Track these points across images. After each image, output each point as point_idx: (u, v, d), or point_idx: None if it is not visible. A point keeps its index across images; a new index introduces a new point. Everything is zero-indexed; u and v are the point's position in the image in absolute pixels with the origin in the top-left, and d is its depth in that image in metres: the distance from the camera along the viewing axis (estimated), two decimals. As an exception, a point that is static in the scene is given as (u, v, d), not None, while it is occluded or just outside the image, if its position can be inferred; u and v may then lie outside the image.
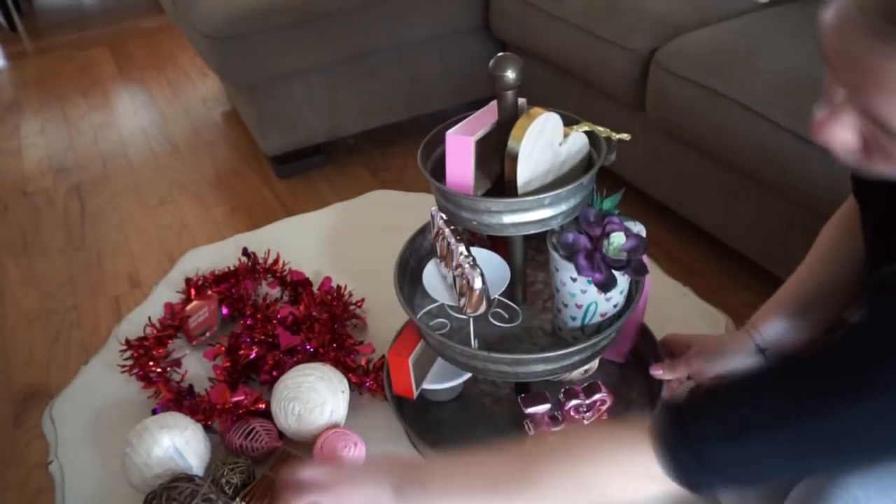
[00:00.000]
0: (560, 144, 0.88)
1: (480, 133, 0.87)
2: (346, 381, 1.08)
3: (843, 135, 0.58)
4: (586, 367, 1.05)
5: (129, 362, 1.21)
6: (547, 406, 0.92)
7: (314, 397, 1.02)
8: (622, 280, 0.89)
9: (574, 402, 0.93)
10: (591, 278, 0.86)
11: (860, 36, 0.50)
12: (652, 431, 0.64)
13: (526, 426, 0.94)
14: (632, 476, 0.66)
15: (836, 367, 0.58)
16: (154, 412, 1.10)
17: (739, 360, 0.93)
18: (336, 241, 1.49)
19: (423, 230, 1.05)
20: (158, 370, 1.18)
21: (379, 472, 0.73)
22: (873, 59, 0.50)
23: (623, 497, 0.67)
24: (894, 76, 0.50)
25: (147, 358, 1.20)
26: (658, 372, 0.98)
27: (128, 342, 1.23)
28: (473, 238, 1.05)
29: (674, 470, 0.62)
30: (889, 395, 0.54)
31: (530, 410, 0.92)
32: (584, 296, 0.90)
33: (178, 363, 1.21)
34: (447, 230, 0.88)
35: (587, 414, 0.95)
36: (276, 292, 1.36)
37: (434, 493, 0.70)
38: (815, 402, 0.57)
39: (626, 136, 0.89)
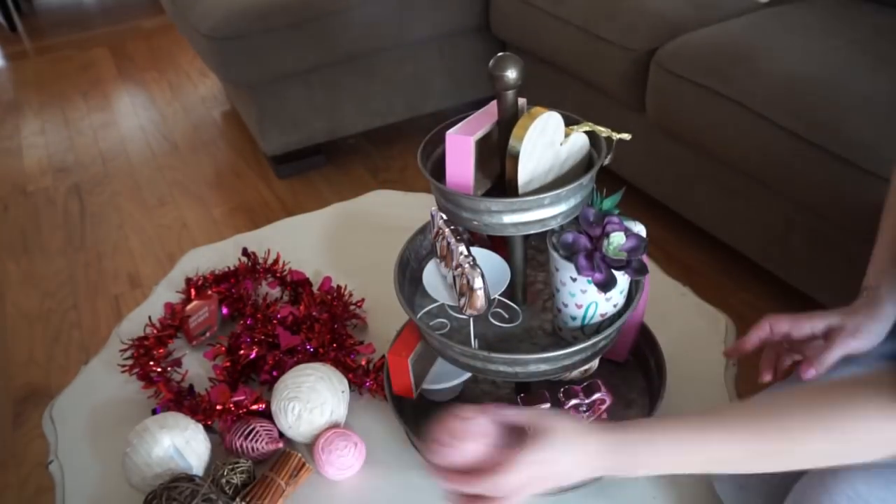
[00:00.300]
0: (561, 144, 0.88)
1: (480, 133, 0.87)
2: (346, 381, 1.08)
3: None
4: (586, 366, 1.05)
5: (130, 362, 1.21)
6: (546, 406, 0.92)
7: (314, 397, 1.02)
8: (622, 280, 0.89)
9: (573, 401, 0.93)
10: (591, 278, 0.86)
11: None
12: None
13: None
14: (878, 431, 0.60)
15: None
16: (154, 412, 1.10)
17: (884, 323, 0.84)
18: (336, 241, 1.49)
19: (423, 230, 1.05)
20: (158, 370, 1.18)
21: (586, 441, 0.66)
22: None
23: (879, 448, 0.61)
24: None
25: (147, 358, 1.20)
26: (811, 373, 0.83)
27: (128, 342, 1.23)
28: (473, 238, 1.05)
29: None
30: None
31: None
32: (584, 296, 0.90)
33: (178, 363, 1.21)
34: (447, 230, 0.88)
35: (586, 414, 0.95)
36: (276, 292, 1.36)
37: (668, 453, 0.65)
38: None
39: (626, 136, 0.89)
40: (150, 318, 1.27)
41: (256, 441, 1.01)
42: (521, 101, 0.89)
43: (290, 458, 0.99)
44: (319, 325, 1.22)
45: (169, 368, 1.20)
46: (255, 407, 1.08)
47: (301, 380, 1.03)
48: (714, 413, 0.67)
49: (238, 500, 0.95)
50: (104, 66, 3.01)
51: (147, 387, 1.17)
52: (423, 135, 0.94)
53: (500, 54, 0.84)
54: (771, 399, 0.68)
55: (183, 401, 1.12)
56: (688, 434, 0.66)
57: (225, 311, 1.30)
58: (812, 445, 0.62)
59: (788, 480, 0.77)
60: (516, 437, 0.69)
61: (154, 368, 1.18)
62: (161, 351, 1.22)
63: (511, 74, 0.83)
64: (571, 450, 0.66)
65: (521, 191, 0.85)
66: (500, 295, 0.91)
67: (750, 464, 0.66)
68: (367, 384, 1.12)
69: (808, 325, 0.86)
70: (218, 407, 1.08)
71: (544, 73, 1.98)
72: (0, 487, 1.21)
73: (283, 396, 1.03)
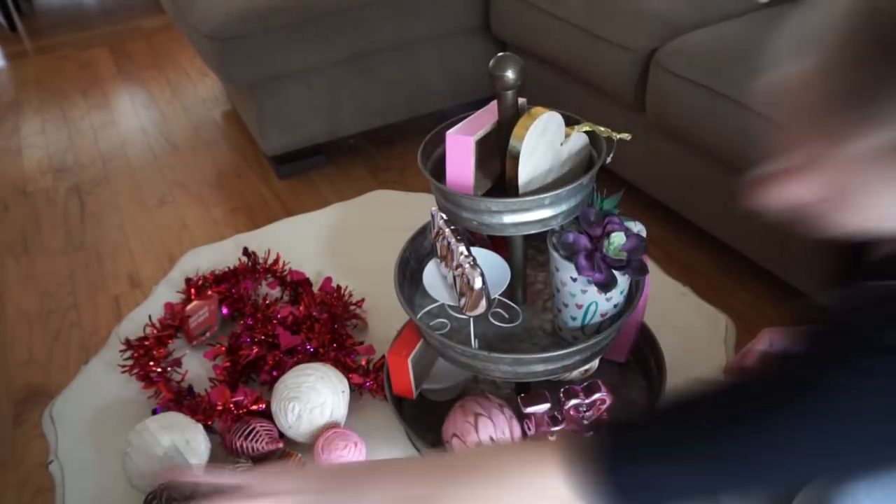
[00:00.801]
0: (561, 144, 0.88)
1: (480, 133, 0.87)
2: (346, 381, 1.08)
3: (800, 193, 0.56)
4: (586, 366, 1.05)
5: (130, 362, 1.21)
6: (546, 406, 0.92)
7: (314, 397, 1.02)
8: (622, 280, 0.89)
9: (574, 401, 0.93)
10: (591, 278, 0.86)
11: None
12: (575, 452, 0.63)
13: (525, 426, 0.94)
14: (531, 497, 0.65)
15: (756, 394, 0.60)
16: (154, 412, 1.10)
17: None
18: (336, 241, 1.49)
19: (423, 230, 1.05)
20: (159, 370, 1.18)
21: (293, 480, 0.72)
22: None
23: None
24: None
25: (147, 358, 1.20)
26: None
27: (128, 342, 1.23)
28: (473, 238, 1.05)
29: (601, 490, 0.61)
30: (797, 421, 0.56)
31: (530, 410, 0.92)
32: (584, 296, 0.90)
33: (178, 363, 1.21)
34: (447, 230, 0.88)
35: (587, 413, 0.95)
36: (276, 292, 1.36)
37: (348, 501, 0.70)
38: (738, 420, 0.59)
39: (626, 136, 0.89)
40: (150, 317, 1.27)
41: (256, 441, 1.01)
42: (521, 101, 0.89)
43: (291, 458, 0.99)
44: (319, 325, 1.22)
45: (169, 368, 1.20)
46: (255, 407, 1.08)
47: (301, 380, 1.03)
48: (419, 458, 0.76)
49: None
50: (104, 65, 3.01)
51: (147, 387, 1.17)
52: (423, 135, 0.94)
53: (500, 54, 0.84)
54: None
55: (183, 401, 1.12)
56: (391, 469, 0.74)
57: (225, 311, 1.30)
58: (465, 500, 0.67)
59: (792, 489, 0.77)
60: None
61: (154, 369, 1.18)
62: (161, 351, 1.22)
63: (511, 74, 0.83)
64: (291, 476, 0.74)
65: (521, 191, 0.85)
66: (500, 295, 0.91)
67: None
68: (367, 384, 1.12)
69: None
70: (218, 407, 1.08)
71: (544, 73, 1.98)
72: (0, 487, 1.21)
73: (283, 396, 1.03)
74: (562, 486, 0.62)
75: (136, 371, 1.19)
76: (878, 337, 0.54)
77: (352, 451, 0.99)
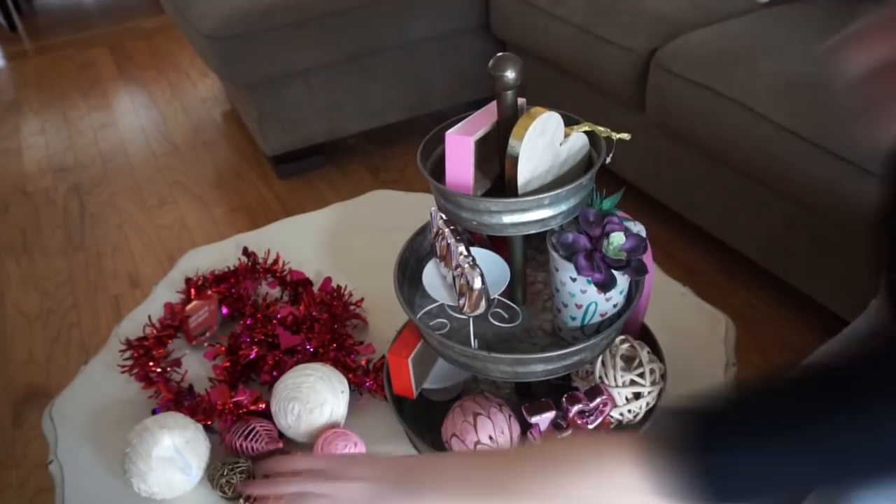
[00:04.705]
0: (561, 144, 0.88)
1: (480, 133, 0.87)
2: (346, 381, 1.08)
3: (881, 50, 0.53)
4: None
5: (130, 362, 1.21)
6: (552, 414, 0.91)
7: (314, 397, 1.02)
8: (622, 280, 0.89)
9: (577, 406, 0.92)
10: (590, 278, 0.86)
11: None
12: (657, 442, 0.60)
13: (529, 436, 0.94)
14: (608, 487, 0.63)
15: (851, 380, 0.57)
16: (154, 412, 1.10)
17: None
18: (336, 241, 1.49)
19: (423, 230, 1.05)
20: (158, 370, 1.18)
21: (370, 467, 0.74)
22: None
23: None
24: None
25: (147, 358, 1.20)
26: None
27: (128, 342, 1.22)
28: (473, 238, 1.05)
29: (689, 483, 0.58)
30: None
31: (535, 420, 0.91)
32: (583, 296, 0.90)
33: (178, 363, 1.21)
34: (447, 230, 0.88)
35: (591, 419, 0.94)
36: (276, 292, 1.36)
37: (424, 491, 0.70)
38: (832, 410, 0.56)
39: (626, 136, 0.89)
40: (149, 318, 1.27)
41: (256, 441, 1.01)
42: (521, 101, 0.89)
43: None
44: (319, 325, 1.22)
45: (169, 368, 1.20)
46: (254, 407, 1.08)
47: (301, 380, 1.03)
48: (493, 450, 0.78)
49: (241, 500, 0.95)
50: (104, 65, 3.01)
51: (147, 387, 1.17)
52: (423, 135, 0.94)
53: (499, 54, 0.84)
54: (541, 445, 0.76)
55: (183, 401, 1.12)
56: (465, 459, 0.75)
57: (225, 311, 1.30)
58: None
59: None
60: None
61: (154, 369, 1.18)
62: (161, 351, 1.22)
63: (510, 74, 0.83)
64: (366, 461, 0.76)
65: (520, 191, 0.85)
66: (500, 295, 0.91)
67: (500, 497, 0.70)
68: (367, 384, 1.12)
69: None
70: (218, 407, 1.08)
71: (544, 73, 1.98)
72: (0, 487, 1.21)
73: (283, 397, 1.03)
74: (641, 480, 0.60)
75: (135, 371, 1.19)
76: None
77: (352, 451, 0.99)
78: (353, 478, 0.72)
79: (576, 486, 0.65)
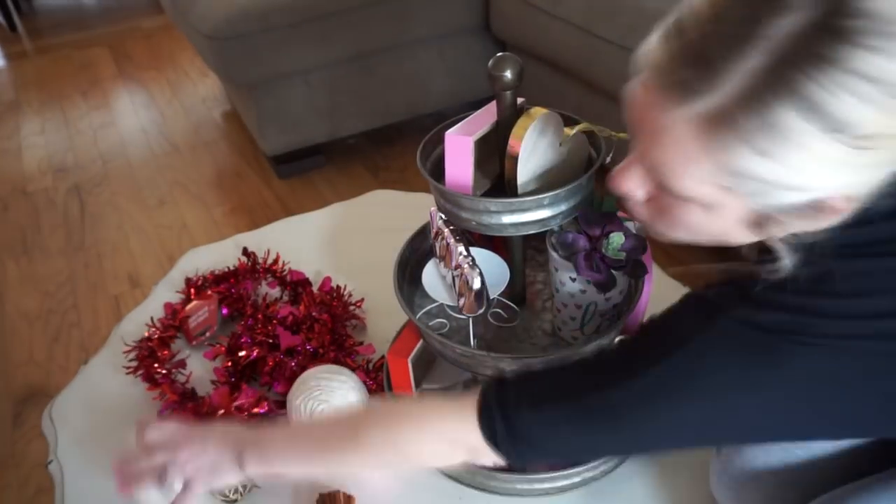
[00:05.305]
0: (560, 144, 0.88)
1: (480, 133, 0.87)
2: (367, 394, 1.05)
3: (629, 185, 0.62)
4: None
5: (133, 364, 1.21)
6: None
7: (341, 405, 0.99)
8: (621, 280, 0.89)
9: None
10: (590, 278, 0.86)
11: (652, 100, 0.56)
12: (476, 400, 0.69)
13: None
14: (446, 441, 0.71)
15: (619, 357, 0.67)
16: (160, 413, 1.10)
17: None
18: (336, 241, 1.49)
19: (423, 230, 1.05)
20: (163, 371, 1.18)
21: (222, 437, 0.77)
22: (656, 118, 0.55)
23: (431, 461, 0.75)
24: (673, 137, 0.55)
25: (151, 359, 1.20)
26: None
27: (133, 344, 1.22)
28: (473, 238, 1.05)
29: (488, 435, 0.67)
30: (648, 378, 0.61)
31: None
32: (583, 296, 0.90)
33: (182, 364, 1.21)
34: (447, 230, 0.88)
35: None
36: (276, 292, 1.36)
37: (272, 456, 0.74)
38: (601, 379, 0.65)
39: (625, 136, 0.89)
40: (151, 318, 1.27)
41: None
42: (521, 100, 0.89)
43: (336, 498, 0.97)
44: (319, 325, 1.21)
45: (173, 370, 1.20)
46: (256, 410, 1.08)
47: (336, 385, 1.01)
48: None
49: (240, 501, 0.95)
50: (104, 65, 3.01)
51: (152, 388, 1.17)
52: (423, 135, 0.94)
53: (499, 54, 0.84)
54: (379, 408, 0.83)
55: (187, 402, 1.12)
56: (293, 430, 0.82)
57: (225, 311, 1.30)
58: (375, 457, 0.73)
59: (785, 488, 0.77)
60: None
61: (158, 370, 1.18)
62: (166, 353, 1.22)
63: (510, 74, 0.83)
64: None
65: (520, 191, 0.85)
66: (499, 295, 0.91)
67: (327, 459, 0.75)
68: (368, 384, 1.12)
69: None
70: (220, 412, 1.08)
71: (544, 73, 1.98)
72: (0, 487, 1.21)
73: (313, 396, 1.00)
74: (472, 433, 0.68)
75: (140, 372, 1.19)
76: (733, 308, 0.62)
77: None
78: (205, 446, 0.75)
79: (418, 440, 0.72)
